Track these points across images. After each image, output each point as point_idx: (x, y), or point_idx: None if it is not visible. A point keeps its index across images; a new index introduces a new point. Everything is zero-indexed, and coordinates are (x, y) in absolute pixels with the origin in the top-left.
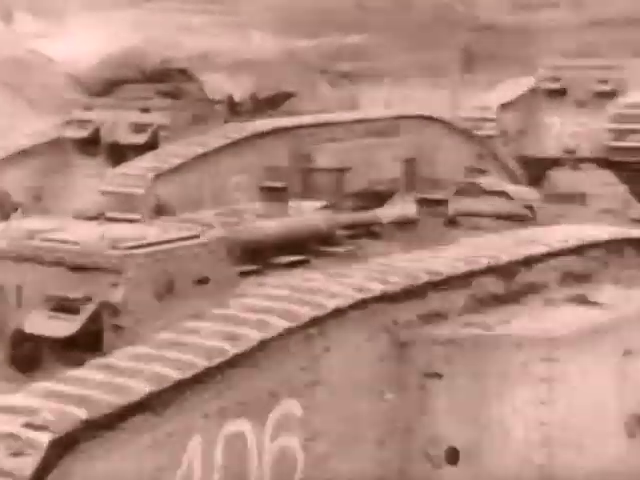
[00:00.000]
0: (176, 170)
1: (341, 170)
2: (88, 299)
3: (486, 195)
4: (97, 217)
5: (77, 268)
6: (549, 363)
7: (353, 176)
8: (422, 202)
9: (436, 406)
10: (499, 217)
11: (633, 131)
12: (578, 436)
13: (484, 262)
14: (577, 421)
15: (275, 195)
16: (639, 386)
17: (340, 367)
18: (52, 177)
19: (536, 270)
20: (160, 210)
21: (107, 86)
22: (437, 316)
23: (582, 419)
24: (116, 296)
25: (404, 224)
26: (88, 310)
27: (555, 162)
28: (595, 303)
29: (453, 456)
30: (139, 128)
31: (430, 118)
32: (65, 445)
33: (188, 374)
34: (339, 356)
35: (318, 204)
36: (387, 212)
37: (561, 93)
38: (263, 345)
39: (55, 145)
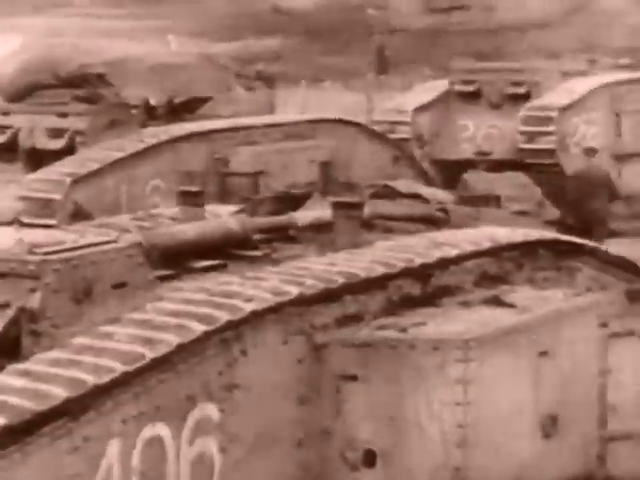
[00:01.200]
0: (93, 175)
1: (256, 174)
2: (6, 305)
3: (401, 198)
4: (14, 222)
5: None
6: (464, 364)
7: (269, 180)
8: (338, 205)
9: (352, 409)
10: (414, 220)
11: (543, 133)
12: (494, 437)
13: (399, 265)
14: (493, 422)
15: (191, 199)
16: (554, 387)
17: (257, 370)
18: None
19: (451, 272)
20: (77, 215)
21: (24, 91)
22: (353, 319)
23: (498, 420)
24: (34, 302)
25: (320, 227)
26: (6, 316)
27: (469, 164)
28: (510, 304)
29: (370, 458)
30: (56, 133)
31: (345, 122)
32: None
33: (106, 379)
34: (256, 359)
35: (234, 208)
36: (303, 215)
37: (475, 96)
38: (180, 349)
39: None
